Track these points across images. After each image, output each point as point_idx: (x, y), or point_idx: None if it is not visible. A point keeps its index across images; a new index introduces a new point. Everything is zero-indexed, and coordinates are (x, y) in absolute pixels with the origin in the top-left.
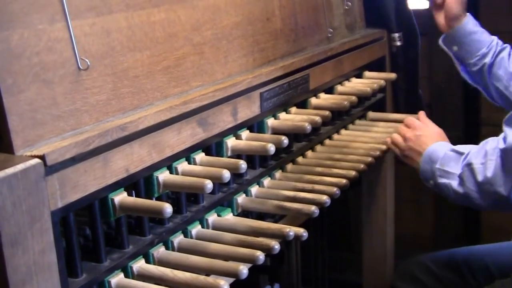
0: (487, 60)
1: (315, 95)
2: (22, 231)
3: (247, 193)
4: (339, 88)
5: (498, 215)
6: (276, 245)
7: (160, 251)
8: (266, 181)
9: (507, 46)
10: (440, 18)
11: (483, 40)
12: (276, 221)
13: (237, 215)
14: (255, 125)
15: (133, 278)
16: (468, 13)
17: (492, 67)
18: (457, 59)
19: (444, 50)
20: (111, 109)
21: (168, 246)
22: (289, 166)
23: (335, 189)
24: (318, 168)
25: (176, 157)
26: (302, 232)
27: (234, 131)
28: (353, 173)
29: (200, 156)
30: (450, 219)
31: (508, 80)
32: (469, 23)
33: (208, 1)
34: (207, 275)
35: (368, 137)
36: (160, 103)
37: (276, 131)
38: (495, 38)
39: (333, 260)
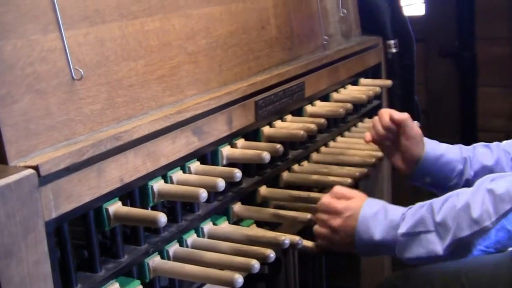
0: (467, 175)
1: (311, 103)
2: (16, 242)
3: (243, 201)
4: (335, 95)
5: None
6: (271, 254)
7: (155, 260)
8: (262, 189)
9: (474, 147)
10: (398, 162)
11: (452, 158)
12: (272, 228)
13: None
14: (251, 134)
15: None
16: (423, 138)
17: (476, 177)
18: (435, 187)
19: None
20: (106, 119)
21: (164, 255)
22: (285, 174)
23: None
24: (314, 175)
25: (171, 166)
26: (298, 239)
27: (229, 139)
28: (349, 180)
29: (195, 165)
30: None
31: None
32: (431, 149)
33: (202, 9)
34: (202, 284)
35: (364, 144)
36: (155, 112)
37: (271, 139)
38: (460, 146)
39: (331, 266)
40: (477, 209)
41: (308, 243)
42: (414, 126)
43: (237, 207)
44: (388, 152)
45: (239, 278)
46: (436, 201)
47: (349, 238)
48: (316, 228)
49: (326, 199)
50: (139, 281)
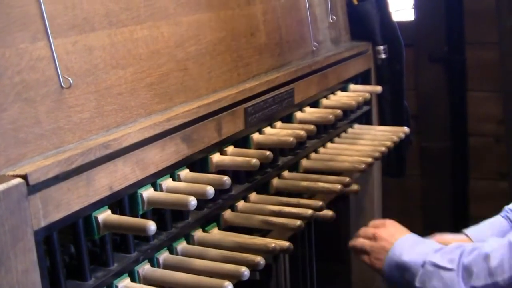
0: None
1: (300, 109)
2: (5, 251)
3: (233, 208)
4: (324, 101)
5: None
6: (261, 261)
7: (145, 268)
8: (252, 196)
9: None
10: None
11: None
12: (264, 234)
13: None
14: (240, 141)
15: None
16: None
17: None
18: None
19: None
20: (95, 127)
21: (154, 263)
22: (275, 181)
23: (320, 203)
24: (304, 182)
25: (161, 174)
26: (288, 246)
27: (218, 146)
28: (339, 186)
29: (184, 173)
30: (439, 231)
31: None
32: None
33: (191, 17)
34: None
35: (354, 150)
36: (144, 120)
37: (261, 146)
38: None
39: (322, 272)
40: (495, 260)
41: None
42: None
43: (228, 214)
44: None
45: (228, 286)
46: (470, 245)
47: (383, 251)
48: (358, 240)
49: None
50: None
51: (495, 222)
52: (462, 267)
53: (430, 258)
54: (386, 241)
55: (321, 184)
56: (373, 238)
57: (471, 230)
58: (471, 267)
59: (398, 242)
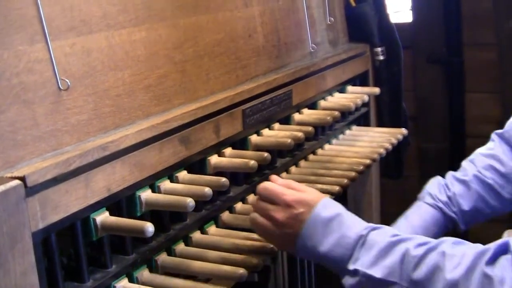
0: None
1: (298, 111)
2: (3, 253)
3: (231, 209)
4: (322, 103)
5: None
6: (259, 262)
7: (144, 273)
8: (250, 197)
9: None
10: None
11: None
12: None
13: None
14: (238, 142)
15: None
16: None
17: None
18: None
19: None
20: (93, 129)
21: (152, 265)
22: None
23: None
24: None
25: (158, 175)
26: None
27: (216, 148)
28: (337, 188)
29: (182, 174)
30: None
31: None
32: None
33: (189, 19)
34: None
35: (352, 151)
36: (142, 122)
37: (259, 148)
38: (441, 208)
39: (321, 273)
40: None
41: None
42: None
43: (226, 215)
44: None
45: None
46: (412, 252)
47: (291, 237)
48: (255, 216)
49: (271, 184)
50: None
51: (427, 214)
52: (410, 281)
53: (366, 270)
54: (291, 227)
55: (319, 186)
56: (274, 222)
57: (399, 227)
58: (425, 285)
59: (304, 231)
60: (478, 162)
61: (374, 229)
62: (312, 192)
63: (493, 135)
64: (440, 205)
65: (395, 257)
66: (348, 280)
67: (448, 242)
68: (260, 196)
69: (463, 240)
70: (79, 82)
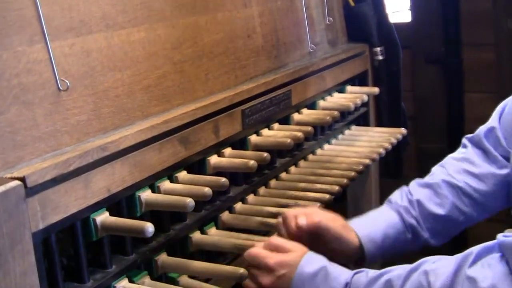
0: (423, 237)
1: (298, 111)
2: (3, 253)
3: (231, 210)
4: (322, 103)
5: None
6: None
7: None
8: (250, 197)
9: (413, 201)
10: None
11: (397, 236)
12: (263, 235)
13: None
14: (238, 142)
15: None
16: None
17: (434, 234)
18: None
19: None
20: (92, 129)
21: (152, 265)
22: (273, 182)
23: (318, 204)
24: (301, 183)
25: (158, 176)
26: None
27: (216, 148)
28: (336, 188)
29: (182, 174)
30: None
31: None
32: (368, 241)
33: (188, 19)
34: None
35: (351, 151)
36: (141, 122)
37: (258, 148)
38: (398, 211)
39: None
40: None
41: None
42: (331, 227)
43: (225, 215)
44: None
45: None
46: (395, 278)
47: None
48: (246, 283)
49: (255, 249)
50: None
51: (385, 215)
52: None
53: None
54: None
55: (319, 186)
56: (260, 286)
57: (356, 223)
58: None
59: (295, 286)
60: (449, 166)
61: (357, 273)
62: (295, 251)
63: (464, 140)
64: (400, 209)
65: (379, 287)
66: None
67: (429, 261)
68: (248, 263)
69: (443, 256)
70: (78, 82)
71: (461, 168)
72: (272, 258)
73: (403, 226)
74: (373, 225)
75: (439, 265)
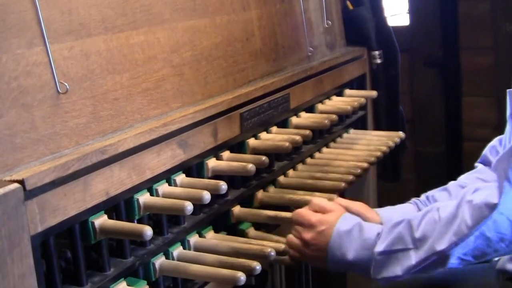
0: None
1: (296, 114)
2: (2, 256)
3: (228, 213)
4: (320, 106)
5: None
6: (257, 266)
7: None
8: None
9: (429, 196)
10: None
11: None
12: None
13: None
14: (236, 146)
15: None
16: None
17: None
18: None
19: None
20: (91, 132)
21: (150, 268)
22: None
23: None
24: (299, 187)
25: (157, 179)
26: (283, 248)
27: (214, 152)
28: (335, 197)
29: (180, 178)
30: None
31: None
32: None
33: (187, 22)
34: None
35: (349, 155)
36: (140, 125)
37: (257, 151)
38: (415, 202)
39: (318, 278)
40: (456, 222)
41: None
42: (356, 206)
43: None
44: None
45: None
46: (414, 218)
47: (321, 253)
48: (290, 237)
49: (301, 210)
50: None
51: (405, 207)
52: (414, 240)
53: (377, 249)
54: (319, 244)
55: (318, 194)
56: (304, 243)
57: (384, 210)
58: (426, 237)
59: (332, 242)
60: (461, 178)
61: (386, 225)
62: (334, 211)
63: (475, 164)
64: (416, 201)
65: (400, 229)
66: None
67: (443, 203)
68: (293, 221)
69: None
70: (77, 85)
71: (473, 176)
72: (314, 216)
73: (416, 208)
74: (392, 210)
75: (449, 203)
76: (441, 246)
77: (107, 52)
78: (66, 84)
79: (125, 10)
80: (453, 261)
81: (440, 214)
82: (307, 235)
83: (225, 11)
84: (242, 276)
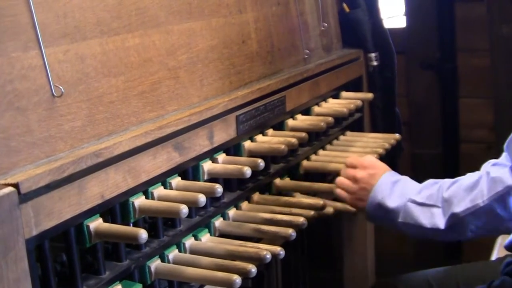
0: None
1: (292, 117)
2: None
3: (224, 216)
4: (316, 109)
5: None
6: (253, 269)
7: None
8: (244, 204)
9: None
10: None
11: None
12: (257, 241)
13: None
14: (232, 148)
15: None
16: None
17: None
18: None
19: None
20: (86, 136)
21: (145, 271)
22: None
23: (312, 212)
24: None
25: (152, 182)
26: (279, 250)
27: (210, 154)
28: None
29: (176, 181)
30: None
31: None
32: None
33: (183, 25)
34: None
35: (345, 157)
36: (136, 128)
37: (253, 154)
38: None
39: (314, 279)
40: (475, 191)
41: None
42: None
43: (219, 222)
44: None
45: None
46: (447, 181)
47: (365, 192)
48: (339, 178)
49: (356, 157)
50: None
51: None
52: (442, 200)
53: (412, 197)
54: (367, 183)
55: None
56: (354, 180)
57: None
58: (451, 199)
59: (378, 184)
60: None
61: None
62: (385, 165)
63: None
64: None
65: (434, 188)
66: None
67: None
68: (347, 165)
69: None
70: (72, 88)
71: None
72: (368, 161)
73: None
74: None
75: (475, 173)
76: (458, 208)
77: (102, 55)
78: (61, 87)
79: (120, 13)
80: (471, 228)
81: (466, 180)
82: (359, 173)
83: (221, 14)
84: (237, 279)
